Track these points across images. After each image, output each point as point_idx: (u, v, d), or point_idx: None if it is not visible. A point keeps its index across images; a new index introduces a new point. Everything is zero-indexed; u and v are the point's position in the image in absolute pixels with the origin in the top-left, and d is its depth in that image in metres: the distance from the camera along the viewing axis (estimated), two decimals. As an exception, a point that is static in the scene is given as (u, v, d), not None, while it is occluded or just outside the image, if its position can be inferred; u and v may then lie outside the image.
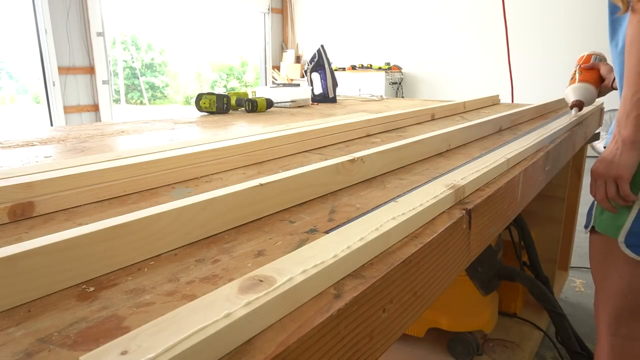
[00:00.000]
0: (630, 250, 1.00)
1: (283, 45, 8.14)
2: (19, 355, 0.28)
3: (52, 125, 5.42)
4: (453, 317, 1.50)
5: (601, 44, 1.13)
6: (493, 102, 2.03)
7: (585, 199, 1.18)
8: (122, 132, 1.18)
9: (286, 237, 0.48)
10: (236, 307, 0.31)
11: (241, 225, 0.52)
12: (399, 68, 6.81)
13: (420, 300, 0.50)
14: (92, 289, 0.37)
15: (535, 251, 1.67)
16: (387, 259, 0.45)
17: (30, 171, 0.62)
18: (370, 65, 6.83)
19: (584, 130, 1.49)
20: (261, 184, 0.53)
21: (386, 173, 0.76)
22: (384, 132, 1.19)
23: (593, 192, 1.04)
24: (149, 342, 0.27)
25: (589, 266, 1.15)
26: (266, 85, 5.17)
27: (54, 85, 5.36)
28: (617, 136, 0.95)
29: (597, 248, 1.10)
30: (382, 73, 6.50)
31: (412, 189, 0.65)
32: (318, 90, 2.16)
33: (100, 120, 5.74)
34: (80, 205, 0.57)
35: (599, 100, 1.47)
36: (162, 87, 13.95)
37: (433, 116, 1.46)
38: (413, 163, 0.83)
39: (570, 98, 1.36)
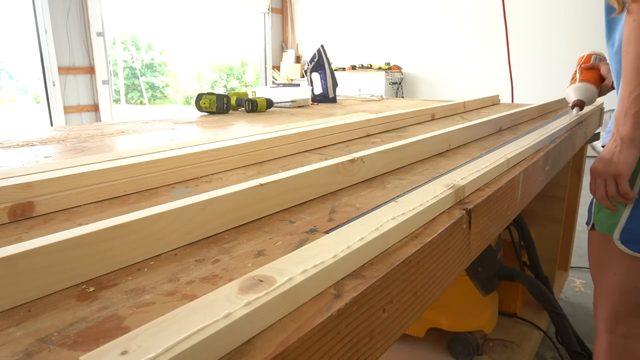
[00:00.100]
0: (625, 247, 1.01)
1: (283, 45, 8.14)
2: (19, 355, 0.28)
3: (52, 125, 5.42)
4: (453, 317, 1.50)
5: (601, 44, 1.14)
6: (493, 102, 2.03)
7: (586, 199, 1.19)
8: (122, 132, 1.18)
9: (286, 237, 0.48)
10: (236, 307, 0.31)
11: (241, 225, 0.52)
12: (399, 68, 6.80)
13: (420, 300, 0.50)
14: (92, 289, 0.37)
15: (535, 251, 1.67)
16: (387, 259, 0.45)
17: (30, 171, 0.62)
18: (370, 65, 6.83)
19: (584, 130, 1.49)
20: (261, 184, 0.53)
21: (386, 173, 0.76)
22: (384, 132, 1.19)
23: (593, 190, 1.05)
24: (149, 342, 0.27)
25: (588, 266, 1.16)
26: (266, 85, 5.17)
27: (54, 85, 5.36)
28: (615, 134, 0.96)
29: (594, 246, 1.11)
30: (382, 73, 6.50)
31: (412, 189, 0.65)
32: (318, 90, 2.16)
33: (100, 120, 5.74)
34: (80, 205, 0.57)
35: (599, 100, 1.47)
36: (162, 87, 13.96)
37: (433, 116, 1.46)
38: (413, 163, 0.83)
39: (571, 98, 1.37)
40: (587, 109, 1.46)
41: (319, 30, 7.71)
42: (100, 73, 5.75)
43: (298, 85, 2.22)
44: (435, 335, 1.55)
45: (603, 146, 1.04)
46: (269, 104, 1.68)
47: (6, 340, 0.30)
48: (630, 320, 1.06)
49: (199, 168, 0.71)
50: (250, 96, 1.72)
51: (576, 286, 2.23)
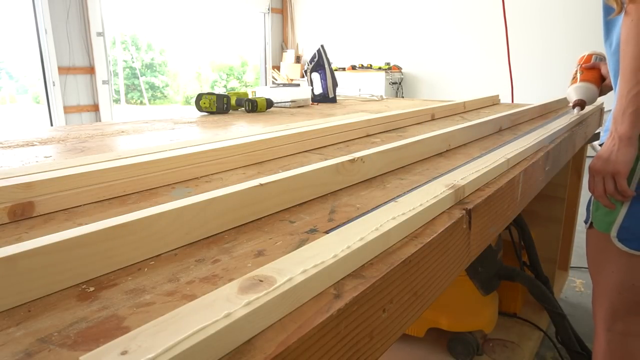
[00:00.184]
0: (623, 245, 1.02)
1: (283, 45, 8.14)
2: (19, 355, 0.28)
3: (52, 125, 5.42)
4: (453, 317, 1.50)
5: (600, 44, 1.15)
6: (493, 102, 2.03)
7: (586, 199, 1.20)
8: (122, 132, 1.18)
9: (286, 237, 0.48)
10: (236, 307, 0.31)
11: (241, 225, 0.52)
12: (399, 68, 6.80)
13: (420, 300, 0.50)
14: (92, 289, 0.37)
15: (535, 251, 1.67)
16: (387, 259, 0.45)
17: (30, 171, 0.62)
18: (370, 65, 6.83)
19: (584, 130, 1.49)
20: (261, 184, 0.53)
21: (386, 173, 0.76)
22: (384, 132, 1.19)
23: (591, 188, 1.06)
24: (149, 342, 0.27)
25: (587, 265, 1.17)
26: (266, 85, 5.17)
27: (54, 85, 5.36)
28: (613, 132, 0.97)
29: (593, 244, 1.12)
30: (382, 73, 6.50)
31: (412, 189, 0.65)
32: (318, 90, 2.16)
33: (100, 120, 5.74)
34: (80, 205, 0.57)
35: (599, 100, 1.48)
36: (162, 87, 13.95)
37: (433, 116, 1.46)
38: (413, 163, 0.83)
39: (572, 97, 1.38)
40: (587, 108, 1.47)
41: (319, 30, 7.71)
42: (100, 73, 5.75)
43: (298, 85, 2.22)
44: (435, 335, 1.55)
45: (601, 145, 1.05)
46: (269, 104, 1.68)
47: (6, 340, 0.30)
48: (628, 318, 1.07)
49: (199, 168, 0.71)
50: (250, 96, 1.72)
51: (576, 286, 2.23)
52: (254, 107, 1.64)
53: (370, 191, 0.65)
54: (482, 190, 0.69)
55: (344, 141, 1.04)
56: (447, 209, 0.60)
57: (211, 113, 1.60)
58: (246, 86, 13.38)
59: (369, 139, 1.08)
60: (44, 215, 0.53)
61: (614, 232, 1.03)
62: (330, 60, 2.22)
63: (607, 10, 1.03)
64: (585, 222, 1.14)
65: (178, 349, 0.26)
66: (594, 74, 1.36)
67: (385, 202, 0.59)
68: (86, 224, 0.41)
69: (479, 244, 0.66)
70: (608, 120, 1.03)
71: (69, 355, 0.28)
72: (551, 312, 1.50)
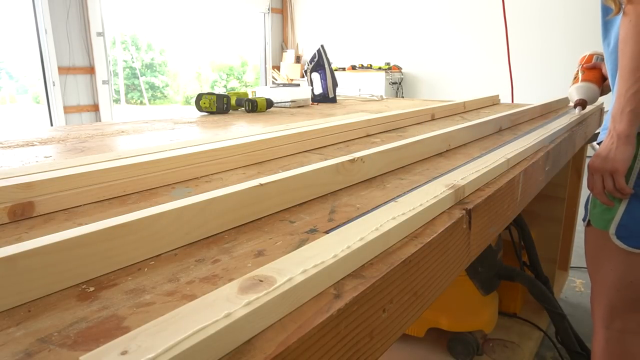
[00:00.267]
0: (621, 242, 1.03)
1: (283, 45, 8.14)
2: (19, 355, 0.28)
3: (52, 125, 5.42)
4: (453, 317, 1.50)
5: (600, 44, 1.15)
6: (493, 102, 2.03)
7: (586, 198, 1.20)
8: (122, 132, 1.18)
9: (286, 237, 0.48)
10: (236, 307, 0.31)
11: (241, 225, 0.52)
12: (399, 68, 6.80)
13: (420, 300, 0.50)
14: (92, 289, 0.37)
15: (535, 251, 1.67)
16: (387, 259, 0.45)
17: (30, 171, 0.62)
18: (370, 65, 6.83)
19: (584, 130, 1.49)
20: (261, 184, 0.53)
21: (386, 173, 0.76)
22: (384, 132, 1.19)
23: (590, 186, 1.07)
24: (149, 342, 0.27)
25: (585, 263, 1.17)
26: (266, 85, 5.17)
27: (54, 85, 5.36)
28: (612, 131, 0.98)
29: (591, 242, 1.13)
30: (382, 73, 6.50)
31: (412, 189, 0.65)
32: (318, 90, 2.16)
33: (100, 120, 5.74)
34: (80, 205, 0.57)
35: (599, 100, 1.49)
36: (162, 87, 13.95)
37: (433, 116, 1.46)
38: (413, 163, 0.83)
39: (574, 97, 1.40)
40: (588, 108, 1.48)
41: (319, 30, 7.71)
42: (100, 73, 5.75)
43: (298, 85, 2.22)
44: (435, 335, 1.55)
45: (599, 143, 1.06)
46: (269, 104, 1.68)
47: (6, 340, 0.30)
48: (626, 315, 1.08)
49: (199, 168, 0.71)
50: (250, 96, 1.72)
51: (576, 286, 2.23)
52: (254, 107, 1.64)
53: (370, 191, 0.65)
54: (482, 190, 0.69)
55: (344, 141, 1.04)
56: (447, 209, 0.60)
57: (211, 113, 1.60)
58: (246, 86, 13.38)
59: (369, 139, 1.08)
60: (44, 215, 0.53)
61: (612, 230, 1.05)
62: (330, 60, 2.22)
63: (605, 11, 1.05)
64: (584, 220, 1.15)
65: (178, 349, 0.26)
66: (595, 74, 1.39)
67: (385, 202, 0.59)
68: (86, 224, 0.41)
69: (479, 244, 0.66)
70: (606, 119, 1.04)
71: (69, 355, 0.28)
72: (551, 312, 1.50)
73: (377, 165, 0.74)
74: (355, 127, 1.08)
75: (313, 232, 0.50)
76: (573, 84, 1.42)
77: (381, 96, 2.44)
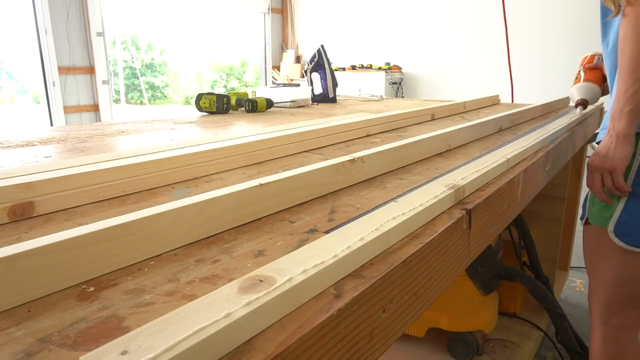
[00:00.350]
0: (619, 239, 1.05)
1: (283, 45, 8.14)
2: (19, 355, 0.28)
3: (52, 125, 5.42)
4: (453, 317, 1.50)
5: (600, 44, 1.16)
6: (493, 102, 2.03)
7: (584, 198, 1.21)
8: (122, 132, 1.18)
9: (286, 237, 0.48)
10: (236, 307, 0.31)
11: (241, 225, 0.52)
12: (399, 68, 6.80)
13: (420, 300, 0.50)
14: (92, 289, 0.37)
15: (535, 251, 1.67)
16: (387, 259, 0.45)
17: (30, 171, 0.62)
18: (370, 65, 6.83)
19: (584, 130, 1.49)
20: (261, 184, 0.53)
21: (386, 173, 0.76)
22: (384, 132, 1.19)
23: (590, 184, 1.09)
24: (149, 342, 0.27)
25: (584, 260, 1.18)
26: (266, 85, 5.17)
27: (54, 85, 5.36)
28: (611, 130, 1.00)
29: (589, 239, 1.15)
30: (382, 73, 6.50)
31: (412, 189, 0.65)
32: (318, 90, 2.16)
33: (100, 120, 5.74)
34: (80, 205, 0.57)
35: (600, 100, 1.50)
36: (162, 87, 13.95)
37: (433, 116, 1.46)
38: (413, 163, 0.83)
39: (575, 97, 1.43)
40: (588, 108, 1.49)
41: (319, 30, 7.71)
42: (100, 73, 5.75)
43: (298, 85, 2.22)
44: (435, 335, 1.55)
45: (598, 143, 1.08)
46: (269, 104, 1.68)
47: (6, 340, 0.30)
48: (623, 312, 1.10)
49: (199, 168, 0.71)
50: (250, 96, 1.72)
51: (576, 286, 2.23)
52: (254, 107, 1.64)
53: (370, 191, 0.65)
54: (482, 190, 0.69)
55: (344, 141, 1.04)
56: (447, 209, 0.60)
57: (211, 113, 1.60)
58: (246, 86, 13.38)
59: (369, 139, 1.08)
60: (44, 215, 0.53)
61: (610, 227, 1.06)
62: (330, 60, 2.22)
63: (605, 12, 1.07)
64: (581, 218, 1.17)
65: (178, 349, 0.26)
66: (597, 74, 1.40)
67: (385, 202, 0.59)
68: (86, 224, 0.41)
69: (479, 244, 0.66)
70: (605, 118, 1.06)
71: (69, 355, 0.28)
72: (551, 312, 1.50)
73: (377, 165, 0.74)
74: (355, 127, 1.08)
75: (313, 232, 0.50)
76: (575, 83, 1.44)
77: (381, 96, 2.44)
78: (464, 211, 0.59)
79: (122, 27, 11.99)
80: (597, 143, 1.08)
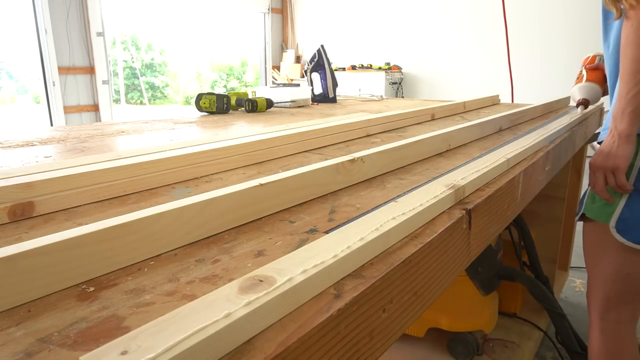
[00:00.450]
0: (620, 236, 1.06)
1: (283, 45, 8.14)
2: (19, 355, 0.28)
3: (52, 125, 5.42)
4: (453, 317, 1.50)
5: (600, 44, 1.16)
6: (493, 102, 2.03)
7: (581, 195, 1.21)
8: (122, 132, 1.18)
9: (286, 237, 0.48)
10: (236, 307, 0.31)
11: (241, 225, 0.52)
12: (399, 68, 6.80)
13: (420, 300, 0.50)
14: (92, 289, 0.37)
15: (535, 251, 1.67)
16: (387, 259, 0.45)
17: (30, 171, 0.62)
18: (370, 65, 6.82)
19: (584, 130, 1.49)
20: (261, 184, 0.53)
21: (386, 173, 0.76)
22: (384, 132, 1.18)
23: (592, 183, 1.10)
24: (149, 342, 0.27)
25: (583, 256, 1.19)
26: (266, 85, 5.17)
27: (54, 85, 5.36)
28: (613, 130, 1.01)
29: (590, 235, 1.16)
30: (382, 73, 6.50)
31: (412, 189, 0.65)
32: (318, 90, 2.16)
33: (100, 120, 5.74)
34: (80, 205, 0.57)
35: (600, 100, 1.51)
36: (162, 87, 13.95)
37: (433, 116, 1.46)
38: (413, 163, 0.83)
39: (577, 97, 1.45)
40: (589, 108, 1.50)
41: (319, 30, 7.70)
42: (100, 73, 5.75)
43: (298, 85, 2.22)
44: (435, 335, 1.55)
45: (599, 142, 1.09)
46: (269, 104, 1.68)
47: (6, 340, 0.30)
48: (621, 307, 1.12)
49: (199, 168, 0.71)
50: (250, 96, 1.72)
51: (576, 286, 2.23)
52: (254, 107, 1.64)
53: (370, 191, 0.65)
54: (482, 190, 0.69)
55: (344, 141, 1.04)
56: (447, 209, 0.60)
57: (211, 113, 1.60)
58: (246, 86, 13.37)
59: (369, 139, 1.08)
60: (44, 215, 0.53)
61: (612, 223, 1.08)
62: (330, 60, 2.22)
63: (606, 14, 1.09)
64: (576, 214, 1.18)
65: (178, 349, 0.26)
66: (598, 75, 1.42)
67: (385, 202, 0.59)
68: (86, 224, 0.41)
69: (479, 244, 0.66)
70: (607, 119, 1.07)
71: (69, 355, 0.28)
72: (551, 312, 1.50)
73: (377, 165, 0.74)
74: (355, 127, 1.08)
75: (313, 232, 0.50)
76: (577, 83, 1.45)
77: (381, 96, 2.44)
78: (464, 211, 0.59)
79: (122, 27, 12.00)
80: (599, 143, 1.10)
